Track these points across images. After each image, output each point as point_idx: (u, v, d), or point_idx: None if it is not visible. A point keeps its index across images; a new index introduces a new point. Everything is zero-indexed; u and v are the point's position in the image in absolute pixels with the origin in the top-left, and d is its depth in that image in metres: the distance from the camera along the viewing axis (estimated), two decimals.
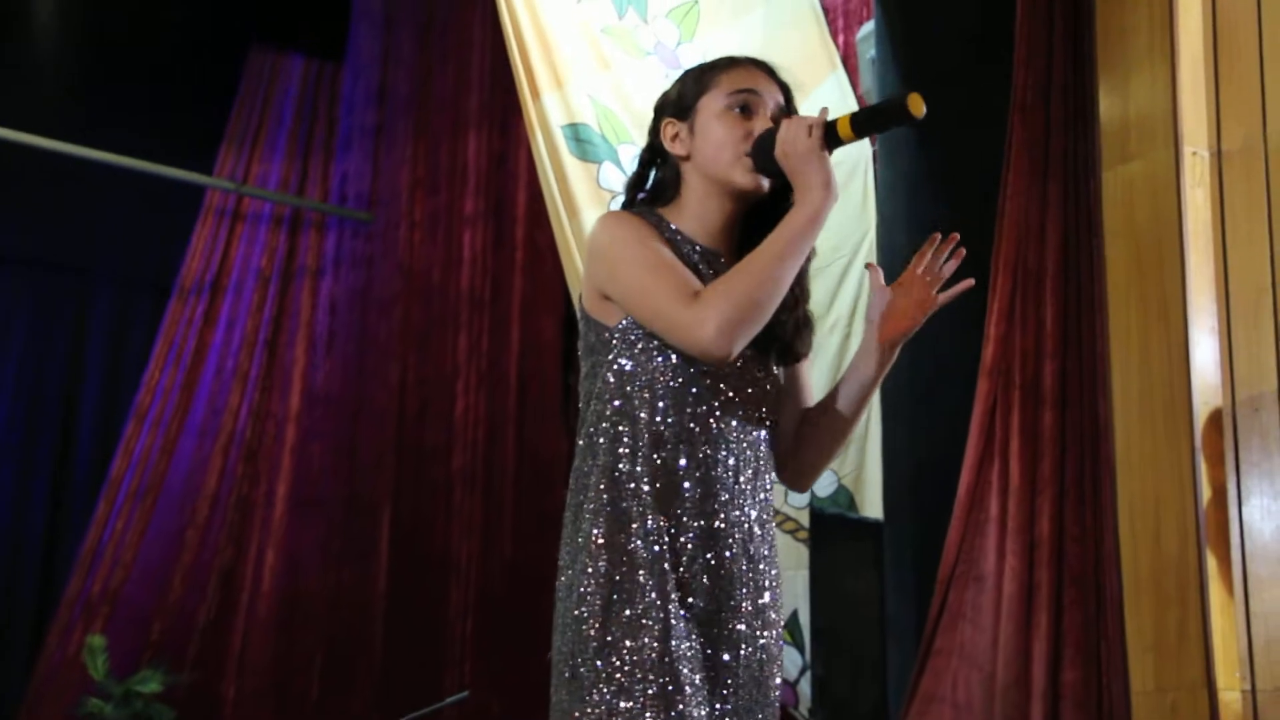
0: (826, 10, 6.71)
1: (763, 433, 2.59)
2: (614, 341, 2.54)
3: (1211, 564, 3.83)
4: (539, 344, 7.64)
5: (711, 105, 2.61)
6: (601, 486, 2.48)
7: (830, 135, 2.51)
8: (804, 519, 5.74)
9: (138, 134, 7.76)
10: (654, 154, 2.69)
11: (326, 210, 8.35)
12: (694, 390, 2.50)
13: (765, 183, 2.58)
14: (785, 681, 5.62)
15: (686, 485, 2.48)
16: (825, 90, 6.55)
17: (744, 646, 2.53)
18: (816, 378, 6.37)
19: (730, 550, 2.50)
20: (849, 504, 5.96)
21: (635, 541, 2.44)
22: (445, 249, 7.97)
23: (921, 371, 4.85)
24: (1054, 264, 4.30)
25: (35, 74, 7.98)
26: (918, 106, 2.44)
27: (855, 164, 6.42)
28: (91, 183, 7.78)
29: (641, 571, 2.42)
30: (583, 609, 2.43)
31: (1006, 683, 4.07)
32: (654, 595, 2.41)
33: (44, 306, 7.97)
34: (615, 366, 2.53)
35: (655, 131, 2.68)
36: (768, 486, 2.60)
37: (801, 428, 2.72)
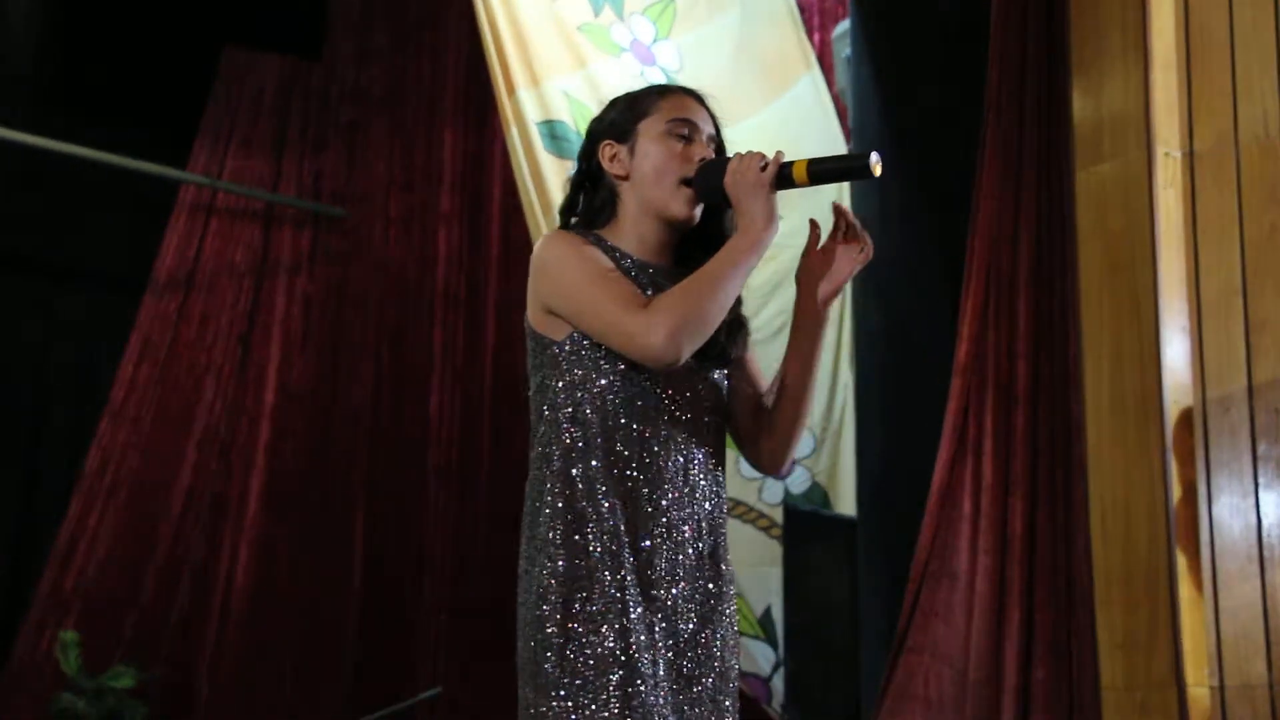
0: (802, 9, 6.72)
1: (709, 432, 2.70)
2: (561, 355, 2.65)
3: (1181, 561, 3.86)
4: (514, 341, 7.61)
5: (651, 129, 2.70)
6: (557, 490, 2.58)
7: (783, 175, 2.61)
8: (778, 516, 5.76)
9: (111, 129, 7.73)
10: (587, 177, 2.77)
11: (302, 206, 8.33)
12: (641, 397, 2.61)
13: (697, 213, 2.70)
14: (758, 677, 5.64)
15: (639, 486, 2.57)
16: (800, 89, 6.57)
17: (701, 636, 2.59)
18: None
19: (684, 546, 2.60)
20: (823, 501, 5.98)
21: (592, 540, 2.52)
22: (421, 246, 7.96)
23: (895, 370, 4.87)
24: (1027, 264, 4.32)
25: (7, 68, 7.94)
26: (877, 168, 2.56)
27: None
28: (64, 177, 7.75)
29: (599, 569, 2.50)
30: (544, 607, 2.51)
31: (978, 679, 4.09)
32: (613, 591, 2.49)
33: (17, 301, 7.94)
34: (565, 379, 2.63)
35: (590, 154, 2.76)
36: (720, 483, 2.70)
37: (760, 413, 2.81)
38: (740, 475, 5.89)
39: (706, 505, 2.66)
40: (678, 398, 2.65)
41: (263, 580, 7.69)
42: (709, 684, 2.59)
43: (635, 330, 2.53)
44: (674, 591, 2.57)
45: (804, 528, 5.39)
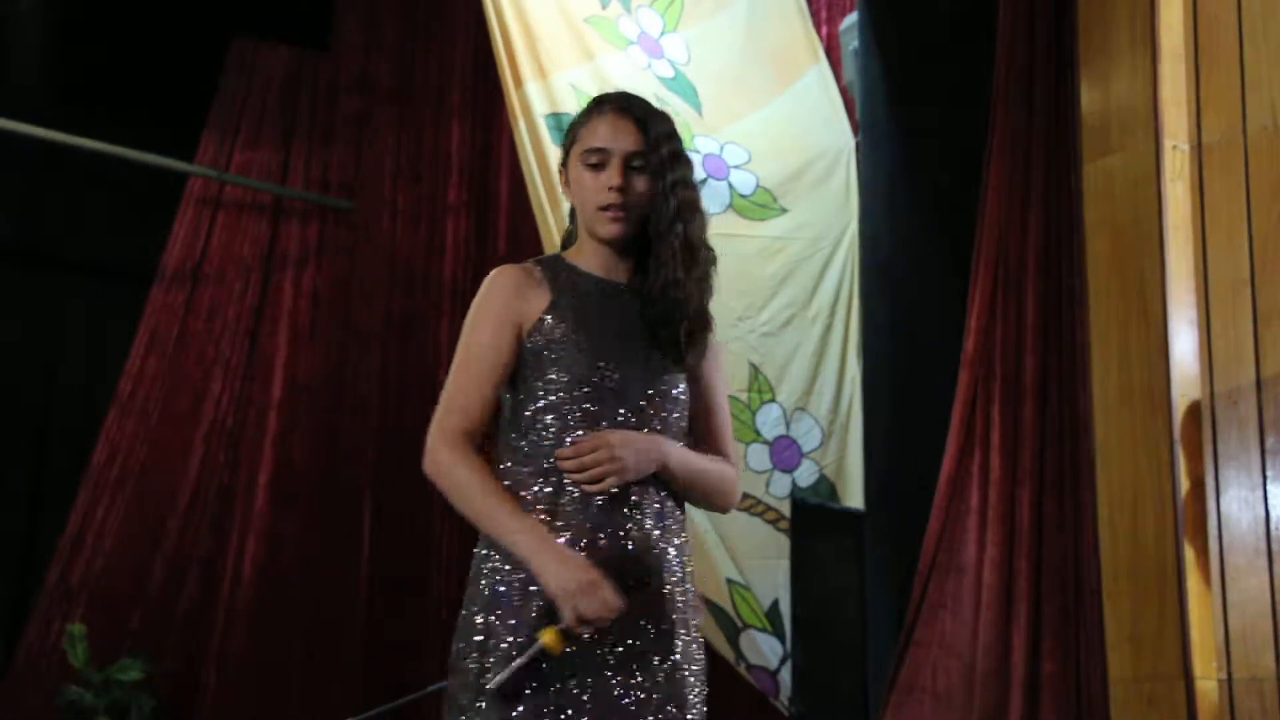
0: (809, 2, 6.72)
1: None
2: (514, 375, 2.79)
3: (1189, 555, 3.85)
4: None
5: (576, 158, 2.85)
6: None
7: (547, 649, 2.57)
8: (785, 509, 5.76)
9: (119, 121, 7.73)
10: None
11: (309, 199, 8.33)
12: (582, 410, 2.73)
13: (623, 231, 2.79)
14: (766, 670, 5.65)
15: (574, 498, 2.69)
16: (808, 81, 6.56)
17: (642, 638, 2.66)
18: (798, 369, 6.37)
19: (620, 552, 2.68)
20: (830, 494, 5.98)
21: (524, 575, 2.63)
22: (428, 238, 7.96)
23: (903, 363, 4.87)
24: (1035, 257, 4.31)
25: (15, 62, 7.94)
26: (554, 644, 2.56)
27: (838, 155, 6.44)
28: (72, 170, 7.76)
29: (528, 596, 2.62)
30: (474, 606, 2.68)
31: (986, 672, 4.09)
32: (540, 593, 2.60)
33: (25, 293, 7.94)
34: (518, 396, 2.78)
35: None
36: (662, 493, 2.77)
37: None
38: (748, 468, 5.90)
39: (648, 521, 2.73)
40: (620, 411, 2.74)
41: (270, 573, 7.70)
42: (655, 683, 2.65)
43: (432, 434, 2.75)
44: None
45: (811, 521, 5.38)
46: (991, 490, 4.23)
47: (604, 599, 2.55)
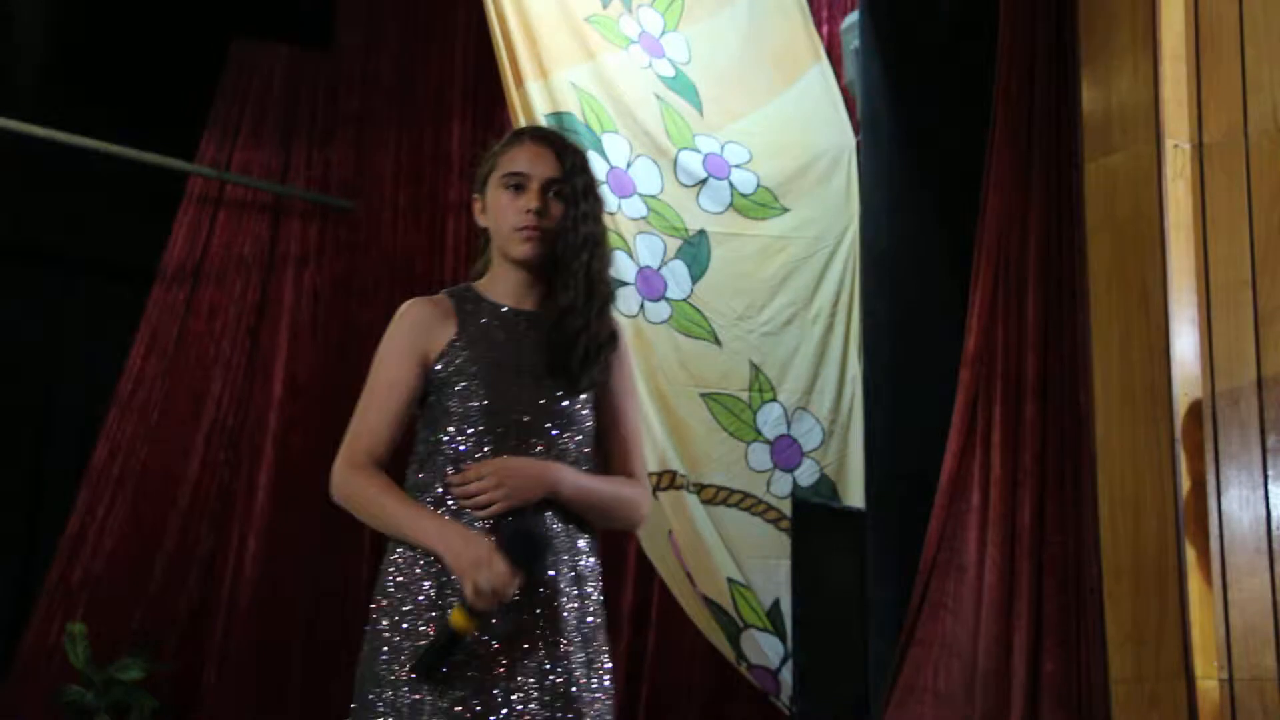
0: (810, 1, 6.72)
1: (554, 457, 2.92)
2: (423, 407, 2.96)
3: (1190, 554, 3.85)
4: None
5: (494, 183, 3.00)
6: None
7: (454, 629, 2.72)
8: (786, 508, 5.76)
9: (120, 121, 7.73)
10: (483, 229, 3.08)
11: (309, 198, 8.33)
12: (482, 438, 2.87)
13: (539, 253, 2.93)
14: (767, 669, 5.65)
15: (469, 524, 2.81)
16: (809, 80, 6.56)
17: (535, 650, 2.80)
18: (799, 368, 6.37)
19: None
20: (831, 493, 5.98)
21: (423, 562, 2.83)
22: (429, 237, 7.96)
23: (903, 363, 4.86)
24: (1036, 256, 4.31)
25: (16, 61, 7.94)
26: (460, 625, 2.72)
27: (839, 155, 6.44)
28: (72, 168, 7.75)
29: (425, 581, 2.81)
30: (375, 611, 2.89)
31: (987, 672, 4.09)
32: (431, 602, 2.79)
33: (25, 293, 7.94)
34: (427, 417, 2.96)
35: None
36: (559, 517, 2.89)
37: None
38: (749, 468, 5.90)
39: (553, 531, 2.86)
40: (521, 434, 2.88)
41: (271, 572, 7.70)
42: (551, 685, 2.79)
43: (338, 466, 2.96)
44: (509, 611, 2.77)
45: (812, 520, 5.38)
46: (992, 490, 4.23)
47: (497, 570, 2.67)
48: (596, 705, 2.82)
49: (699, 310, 6.01)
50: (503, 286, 2.99)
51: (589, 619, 2.88)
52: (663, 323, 5.92)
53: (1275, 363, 3.80)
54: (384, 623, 2.85)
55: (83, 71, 7.95)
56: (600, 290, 2.96)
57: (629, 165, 6.03)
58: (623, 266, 5.83)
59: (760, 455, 5.94)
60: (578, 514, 2.91)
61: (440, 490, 2.87)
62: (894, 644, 4.39)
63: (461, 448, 2.88)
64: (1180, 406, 3.92)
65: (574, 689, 2.79)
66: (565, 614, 2.83)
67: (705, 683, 6.35)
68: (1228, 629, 3.76)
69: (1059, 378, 4.22)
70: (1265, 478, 3.77)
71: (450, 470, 2.87)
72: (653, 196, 6.05)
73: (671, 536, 5.59)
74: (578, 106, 5.96)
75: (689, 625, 5.91)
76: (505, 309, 2.97)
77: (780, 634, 5.64)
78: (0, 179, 7.59)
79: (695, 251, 6.07)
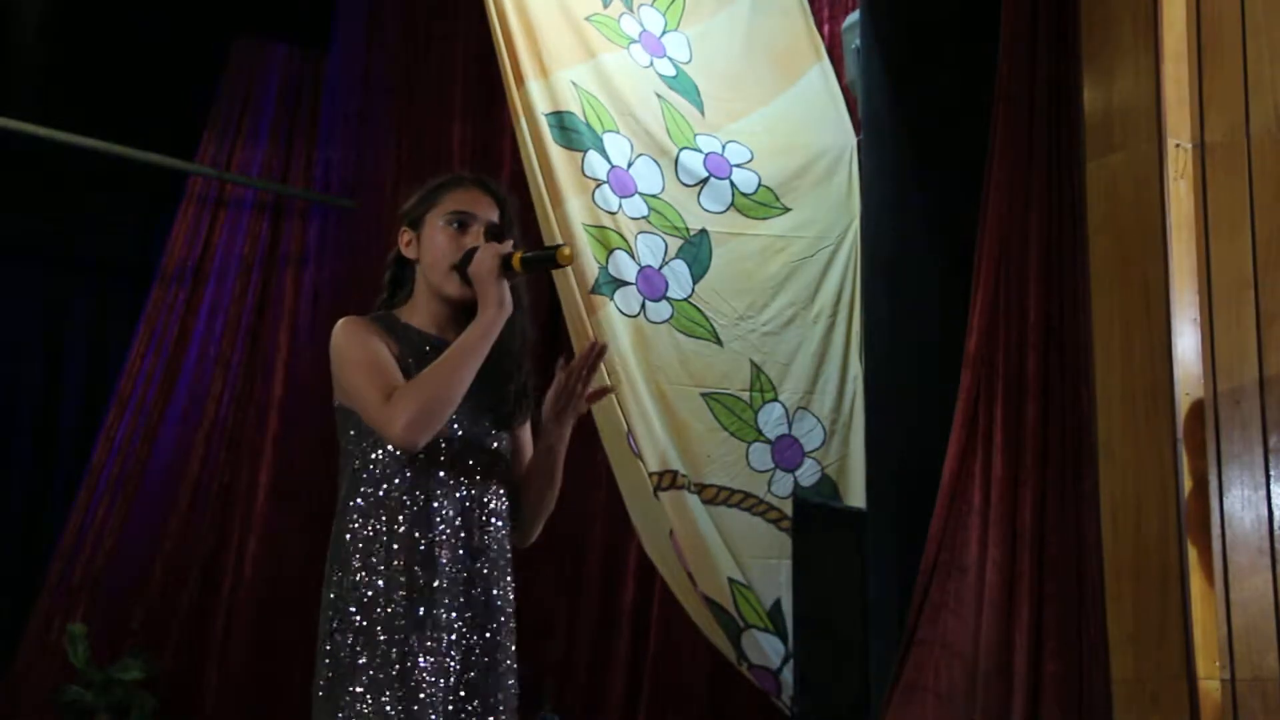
0: (811, 0, 6.71)
1: (484, 491, 3.08)
2: (356, 425, 3.08)
3: (1192, 554, 3.84)
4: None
5: (434, 220, 3.13)
6: (351, 530, 3.06)
7: (506, 265, 3.05)
8: (787, 508, 5.75)
9: (120, 120, 7.73)
10: (399, 256, 3.21)
11: (310, 197, 8.34)
12: (419, 463, 3.00)
13: (469, 293, 3.07)
14: (768, 669, 5.64)
15: (409, 544, 2.97)
16: (810, 80, 6.56)
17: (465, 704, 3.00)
18: (801, 368, 6.37)
19: (455, 587, 2.99)
20: (832, 493, 5.97)
21: (370, 586, 2.97)
22: None
23: (905, 362, 4.86)
24: (1037, 255, 4.30)
25: (17, 61, 7.94)
26: (566, 258, 3.12)
27: (840, 154, 6.44)
28: (72, 168, 7.76)
29: (379, 609, 2.95)
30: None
31: (988, 672, 4.08)
32: (388, 640, 2.92)
33: (25, 292, 7.94)
34: (361, 445, 3.07)
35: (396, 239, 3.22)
36: (489, 537, 3.07)
37: (517, 491, 3.21)
38: (750, 468, 5.89)
39: (475, 562, 3.02)
40: (454, 459, 3.03)
41: (271, 571, 7.70)
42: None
43: (382, 420, 2.94)
44: (445, 637, 2.96)
45: (813, 520, 5.37)
46: (994, 490, 4.22)
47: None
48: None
49: (700, 310, 6.00)
50: (427, 317, 3.13)
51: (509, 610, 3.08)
52: (664, 322, 5.91)
53: (1277, 362, 3.79)
54: (352, 587, 2.98)
55: (83, 71, 7.96)
56: (522, 326, 3.16)
57: (630, 165, 6.02)
58: (624, 266, 5.83)
59: (761, 455, 5.93)
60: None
61: (383, 513, 3.01)
62: (895, 644, 4.39)
63: (399, 473, 3.02)
64: (1182, 406, 3.91)
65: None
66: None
67: (706, 682, 6.35)
68: (1229, 629, 3.75)
69: (1060, 377, 4.21)
70: (1267, 478, 3.76)
71: (383, 493, 3.02)
72: (654, 196, 6.05)
73: (673, 536, 5.59)
74: (578, 106, 5.96)
75: (690, 625, 5.91)
76: (434, 337, 3.11)
77: (781, 634, 5.63)
78: (0, 179, 7.58)
79: (696, 251, 6.06)
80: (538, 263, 3.14)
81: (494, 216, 3.15)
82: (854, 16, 5.70)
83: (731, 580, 5.62)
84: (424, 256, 3.13)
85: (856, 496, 5.75)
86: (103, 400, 7.83)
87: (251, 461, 7.92)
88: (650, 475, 5.61)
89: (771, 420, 5.99)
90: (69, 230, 8.00)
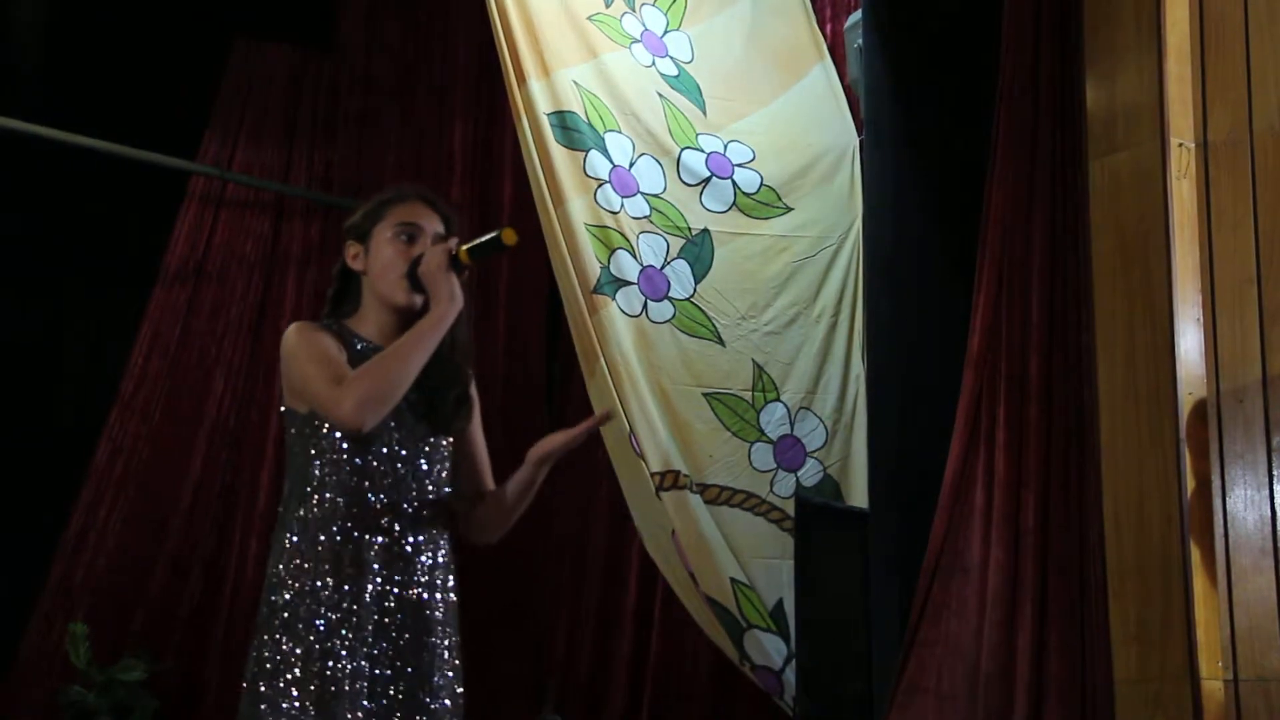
0: None
1: (428, 493, 3.21)
2: (306, 428, 3.16)
3: (1195, 554, 3.84)
4: (524, 333, 7.64)
5: (382, 233, 3.29)
6: (294, 540, 3.22)
7: (455, 261, 3.20)
8: (789, 508, 5.75)
9: (121, 120, 7.73)
10: (344, 270, 3.35)
11: (311, 197, 8.33)
12: (366, 459, 3.11)
13: (419, 300, 3.23)
14: (770, 670, 5.63)
15: (357, 543, 3.10)
16: (812, 79, 6.55)
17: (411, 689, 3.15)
18: (803, 367, 6.36)
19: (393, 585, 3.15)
20: (835, 493, 5.97)
21: (319, 588, 3.11)
22: None
23: (907, 362, 4.86)
24: (1039, 255, 4.30)
25: (17, 60, 7.93)
26: (510, 238, 3.24)
27: (842, 154, 6.43)
28: (72, 169, 7.75)
29: (325, 607, 3.09)
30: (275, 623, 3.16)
31: (990, 673, 4.08)
32: (321, 641, 3.06)
33: (25, 293, 7.94)
34: (310, 448, 3.15)
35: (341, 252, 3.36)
36: (439, 543, 3.25)
37: (477, 502, 3.40)
38: (752, 468, 5.89)
39: (424, 558, 3.20)
40: (399, 462, 3.14)
41: None
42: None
43: (330, 401, 3.04)
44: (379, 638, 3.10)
45: (816, 520, 5.37)
46: (996, 490, 4.22)
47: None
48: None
49: (702, 309, 6.00)
50: (374, 327, 3.25)
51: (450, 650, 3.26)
52: (666, 322, 5.91)
53: None
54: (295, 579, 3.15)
55: (83, 71, 7.95)
56: (463, 337, 3.28)
57: (632, 164, 6.02)
58: (626, 266, 5.83)
59: (763, 455, 5.93)
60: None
61: (332, 528, 3.12)
62: (897, 644, 4.38)
63: (340, 482, 3.11)
64: (1185, 406, 3.91)
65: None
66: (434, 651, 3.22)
67: (708, 683, 6.34)
68: (1232, 629, 3.75)
69: (1063, 377, 4.21)
70: (1270, 477, 3.76)
71: (329, 504, 3.12)
72: (656, 196, 6.04)
73: (675, 537, 5.58)
74: (580, 105, 5.95)
75: (692, 625, 5.90)
76: (380, 348, 3.20)
77: (784, 634, 5.62)
78: (0, 179, 7.58)
79: (698, 251, 6.06)
80: (483, 249, 3.25)
81: (439, 228, 3.32)
82: (856, 16, 5.70)
83: (734, 580, 5.62)
84: (372, 268, 3.26)
85: (859, 497, 5.75)
86: (104, 400, 7.82)
87: (253, 462, 7.90)
88: (652, 475, 5.61)
89: (774, 420, 5.98)
90: (70, 230, 7.99)
